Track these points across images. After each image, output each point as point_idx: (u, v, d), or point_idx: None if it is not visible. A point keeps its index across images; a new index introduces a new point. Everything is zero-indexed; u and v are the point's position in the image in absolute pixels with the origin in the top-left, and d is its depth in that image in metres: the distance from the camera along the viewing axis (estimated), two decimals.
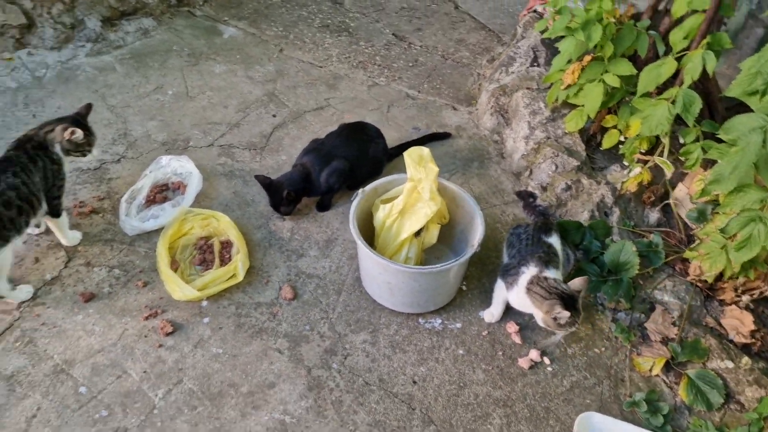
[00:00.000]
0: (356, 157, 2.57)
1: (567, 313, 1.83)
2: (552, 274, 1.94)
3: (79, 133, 2.10)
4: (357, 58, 3.50)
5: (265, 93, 3.15)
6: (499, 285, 2.11)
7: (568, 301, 1.87)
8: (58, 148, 2.12)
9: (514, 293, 2.01)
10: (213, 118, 2.95)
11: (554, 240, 2.12)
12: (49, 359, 1.96)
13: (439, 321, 2.20)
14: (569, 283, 1.91)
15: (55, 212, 2.16)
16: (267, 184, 2.46)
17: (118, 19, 3.33)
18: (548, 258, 2.00)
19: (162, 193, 2.55)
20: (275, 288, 2.27)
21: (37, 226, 2.28)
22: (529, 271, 1.95)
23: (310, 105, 3.12)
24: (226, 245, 2.37)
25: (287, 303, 2.22)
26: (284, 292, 2.25)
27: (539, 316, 1.94)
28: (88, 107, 2.24)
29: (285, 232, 2.48)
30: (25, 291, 2.09)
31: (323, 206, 2.58)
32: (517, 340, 2.16)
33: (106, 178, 2.57)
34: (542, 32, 2.69)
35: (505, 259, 2.20)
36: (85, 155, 2.18)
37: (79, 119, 2.17)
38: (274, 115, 3.03)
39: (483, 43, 3.71)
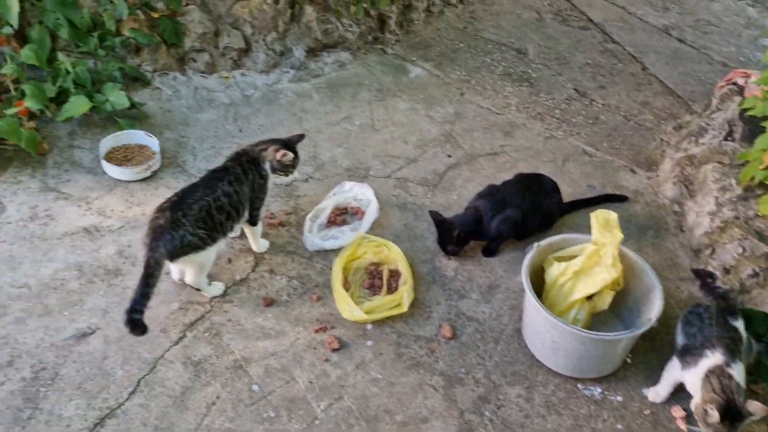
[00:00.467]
0: (530, 208, 2.59)
1: (717, 417, 1.75)
2: (737, 369, 1.84)
3: (290, 156, 2.33)
4: (536, 108, 3.53)
5: (442, 133, 3.28)
6: (673, 364, 2.02)
7: (732, 412, 1.77)
8: (267, 166, 2.36)
9: (689, 374, 1.93)
10: (393, 152, 3.12)
11: (740, 324, 2.00)
12: (230, 353, 2.16)
13: (599, 390, 2.14)
14: (748, 402, 1.79)
15: (253, 221, 2.40)
16: (439, 221, 2.54)
17: (320, 51, 3.63)
18: (735, 346, 1.89)
19: (341, 216, 2.73)
20: (435, 324, 2.33)
21: (234, 230, 2.53)
22: (714, 358, 1.86)
23: (485, 149, 3.19)
24: (394, 274, 2.48)
25: (445, 341, 2.28)
26: (444, 331, 2.30)
27: (695, 401, 1.87)
28: (301, 137, 2.48)
29: (449, 271, 2.54)
30: (218, 287, 2.33)
31: (490, 252, 2.61)
32: (682, 426, 2.04)
33: (295, 195, 2.80)
34: (746, 110, 2.56)
35: (680, 338, 2.10)
36: (287, 175, 2.41)
37: (289, 144, 2.41)
38: (449, 156, 3.13)
39: (669, 109, 3.59)
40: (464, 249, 2.59)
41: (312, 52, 3.60)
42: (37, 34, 2.86)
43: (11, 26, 2.78)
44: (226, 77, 3.37)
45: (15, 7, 2.74)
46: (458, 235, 2.50)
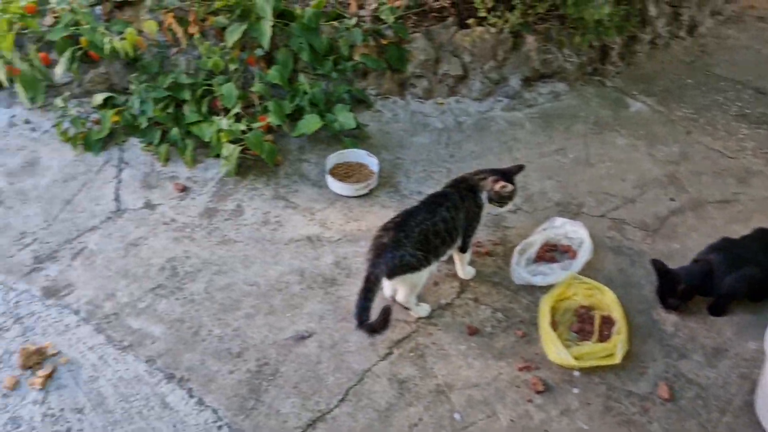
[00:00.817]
0: None
1: None
2: None
3: (509, 188, 2.32)
4: None
5: (665, 174, 3.05)
6: None
7: None
8: (484, 195, 2.36)
9: None
10: (608, 189, 2.96)
11: None
12: (433, 377, 2.17)
13: None
14: None
15: (464, 248, 2.41)
16: (663, 271, 2.35)
17: (535, 81, 3.58)
18: None
19: (551, 252, 2.64)
20: (650, 382, 2.15)
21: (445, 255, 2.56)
22: None
23: (714, 196, 2.91)
24: (607, 321, 2.34)
25: (661, 402, 2.09)
26: (660, 390, 2.12)
27: None
28: (520, 168, 2.47)
29: (668, 326, 2.34)
30: (425, 308, 2.37)
31: (718, 310, 2.36)
32: None
33: (502, 226, 2.77)
34: None
35: None
36: (502, 206, 2.40)
37: (508, 175, 2.40)
38: (672, 199, 2.90)
39: None
40: (687, 303, 2.37)
41: (527, 82, 3.56)
42: (283, 57, 3.16)
43: (263, 49, 3.11)
44: (441, 103, 3.45)
45: (268, 32, 3.06)
46: (684, 290, 2.30)
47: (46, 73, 3.15)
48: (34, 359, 2.14)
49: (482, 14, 3.24)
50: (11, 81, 3.13)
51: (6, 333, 2.25)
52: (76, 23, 3.10)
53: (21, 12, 3.08)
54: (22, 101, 3.15)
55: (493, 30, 3.37)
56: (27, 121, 3.15)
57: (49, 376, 2.10)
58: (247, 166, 2.98)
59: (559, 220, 2.71)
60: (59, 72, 3.08)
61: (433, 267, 2.30)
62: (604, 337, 2.28)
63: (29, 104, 3.15)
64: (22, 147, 3.04)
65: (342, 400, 2.09)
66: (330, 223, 2.75)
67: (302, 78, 3.14)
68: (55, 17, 3.20)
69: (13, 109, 3.21)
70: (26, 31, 3.15)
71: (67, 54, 3.05)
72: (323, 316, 2.36)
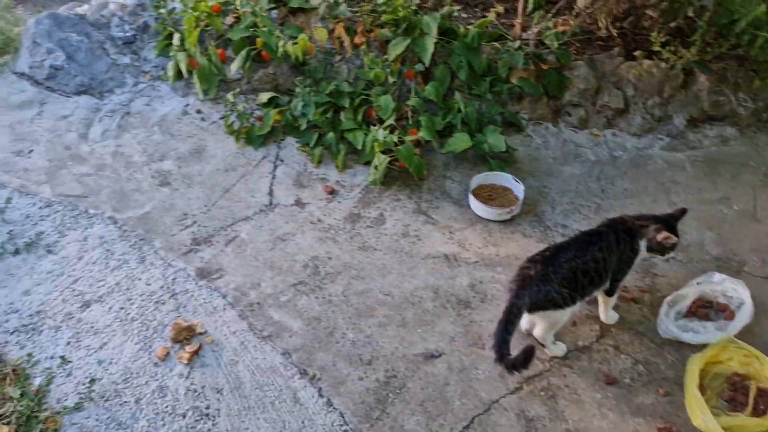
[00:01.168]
0: None
1: None
2: None
3: (673, 240, 2.17)
4: None
5: None
6: None
7: None
8: (643, 243, 2.23)
9: None
10: None
11: None
12: (563, 421, 2.08)
13: None
14: None
15: (611, 291, 2.30)
16: None
17: (702, 122, 3.35)
18: None
19: (704, 308, 2.45)
20: None
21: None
22: None
23: None
24: (763, 394, 2.13)
25: None
26: None
27: None
28: (683, 212, 2.30)
29: None
30: (560, 348, 2.28)
31: None
32: None
33: (652, 273, 2.61)
34: None
35: None
36: (663, 255, 2.25)
37: (671, 221, 2.25)
38: None
39: None
40: None
41: (693, 122, 3.34)
42: (441, 74, 3.19)
43: (423, 64, 3.15)
44: (597, 135, 3.32)
45: (430, 49, 3.10)
46: None
47: (221, 68, 3.39)
48: (184, 334, 2.30)
49: (655, 48, 3.09)
50: (190, 73, 3.41)
51: (162, 306, 2.43)
52: (254, 25, 3.31)
53: (208, 11, 3.34)
54: (197, 92, 3.41)
55: (663, 65, 3.20)
56: (199, 111, 3.41)
57: (195, 353, 2.25)
58: (393, 177, 3.02)
59: (717, 276, 2.51)
60: (233, 69, 3.31)
61: (577, 307, 2.21)
62: (759, 412, 2.08)
63: (202, 96, 3.41)
64: (192, 134, 3.29)
65: (467, 427, 2.06)
66: (468, 244, 2.73)
67: (457, 96, 3.15)
68: (236, 17, 3.44)
69: (188, 98, 3.48)
70: (209, 28, 3.42)
71: (243, 53, 3.26)
72: (454, 337, 2.34)
